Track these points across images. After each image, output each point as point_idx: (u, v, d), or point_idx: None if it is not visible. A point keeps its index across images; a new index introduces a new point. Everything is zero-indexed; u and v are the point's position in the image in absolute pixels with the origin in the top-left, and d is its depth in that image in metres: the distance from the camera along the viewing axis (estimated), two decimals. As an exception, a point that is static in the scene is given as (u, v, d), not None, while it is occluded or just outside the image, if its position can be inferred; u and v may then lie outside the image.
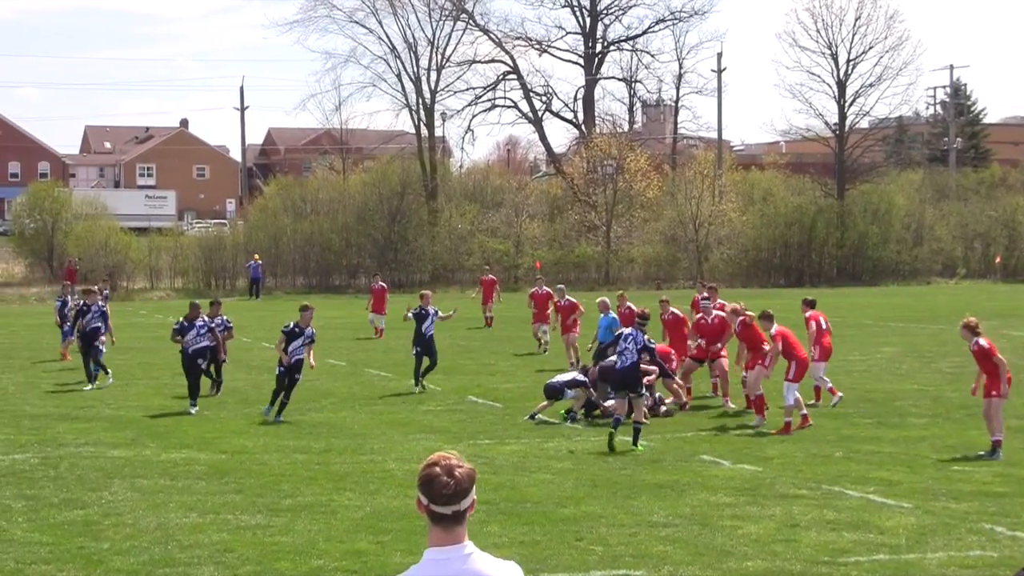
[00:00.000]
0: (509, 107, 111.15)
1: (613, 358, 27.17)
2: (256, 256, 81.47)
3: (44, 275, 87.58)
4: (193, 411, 29.77)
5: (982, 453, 23.67)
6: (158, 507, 19.64)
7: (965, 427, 27.00)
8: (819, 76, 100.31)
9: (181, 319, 31.37)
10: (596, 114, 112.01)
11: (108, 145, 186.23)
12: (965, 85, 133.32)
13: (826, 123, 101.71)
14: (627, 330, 26.94)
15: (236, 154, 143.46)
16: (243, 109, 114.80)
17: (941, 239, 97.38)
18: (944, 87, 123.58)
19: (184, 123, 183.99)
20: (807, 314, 31.65)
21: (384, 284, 53.26)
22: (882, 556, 16.41)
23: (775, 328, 27.83)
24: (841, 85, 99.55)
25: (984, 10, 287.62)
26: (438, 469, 6.52)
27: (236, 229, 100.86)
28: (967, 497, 19.99)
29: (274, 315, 54.56)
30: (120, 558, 16.50)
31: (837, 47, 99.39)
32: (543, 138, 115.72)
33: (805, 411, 27.75)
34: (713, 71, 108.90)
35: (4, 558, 16.60)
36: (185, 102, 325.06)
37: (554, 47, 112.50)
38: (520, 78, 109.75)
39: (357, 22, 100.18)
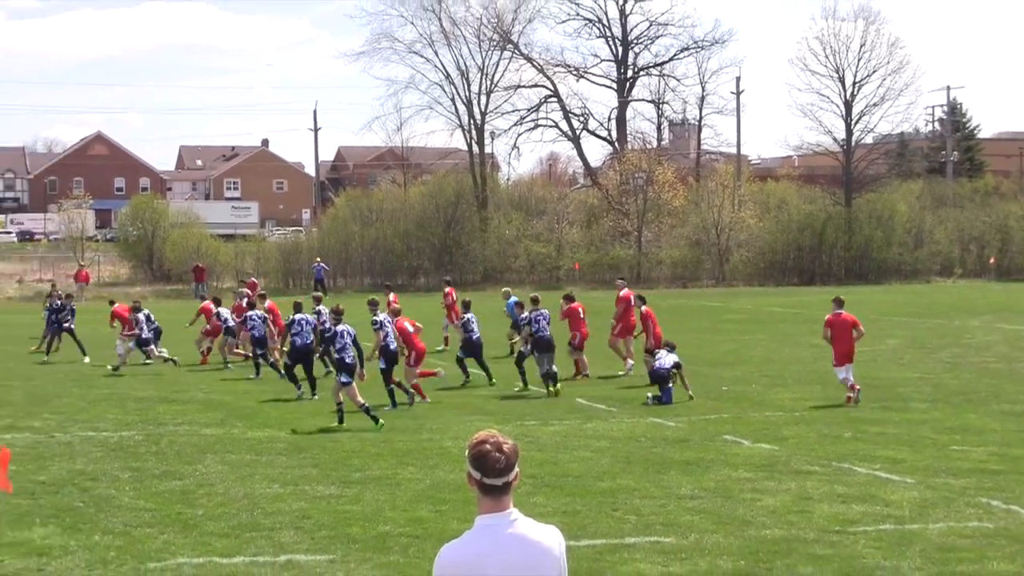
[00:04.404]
0: (550, 126, 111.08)
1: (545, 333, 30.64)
2: (318, 259, 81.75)
3: (145, 276, 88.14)
4: (315, 397, 29.73)
5: None
6: (245, 479, 19.76)
7: (962, 411, 26.90)
8: (828, 97, 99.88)
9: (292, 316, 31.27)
10: (628, 132, 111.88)
11: (199, 162, 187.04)
12: (961, 104, 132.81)
13: (834, 139, 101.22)
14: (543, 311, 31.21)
15: (310, 169, 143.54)
16: (316, 130, 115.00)
17: (940, 242, 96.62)
18: (942, 106, 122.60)
19: (265, 143, 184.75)
20: (830, 316, 29.89)
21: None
22: (888, 526, 16.33)
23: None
24: (848, 105, 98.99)
25: (978, 35, 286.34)
26: (488, 446, 6.54)
27: (311, 235, 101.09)
28: (965, 474, 19.85)
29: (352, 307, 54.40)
30: (212, 523, 16.61)
31: (844, 71, 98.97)
32: (581, 154, 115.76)
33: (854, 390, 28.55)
34: (732, 93, 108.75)
35: (114, 521, 16.72)
36: (266, 124, 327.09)
37: (590, 73, 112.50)
38: (560, 101, 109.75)
39: (416, 52, 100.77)
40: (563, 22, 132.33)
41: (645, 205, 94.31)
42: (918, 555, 14.84)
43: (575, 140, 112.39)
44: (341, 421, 25.44)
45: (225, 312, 38.72)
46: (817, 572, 14.16)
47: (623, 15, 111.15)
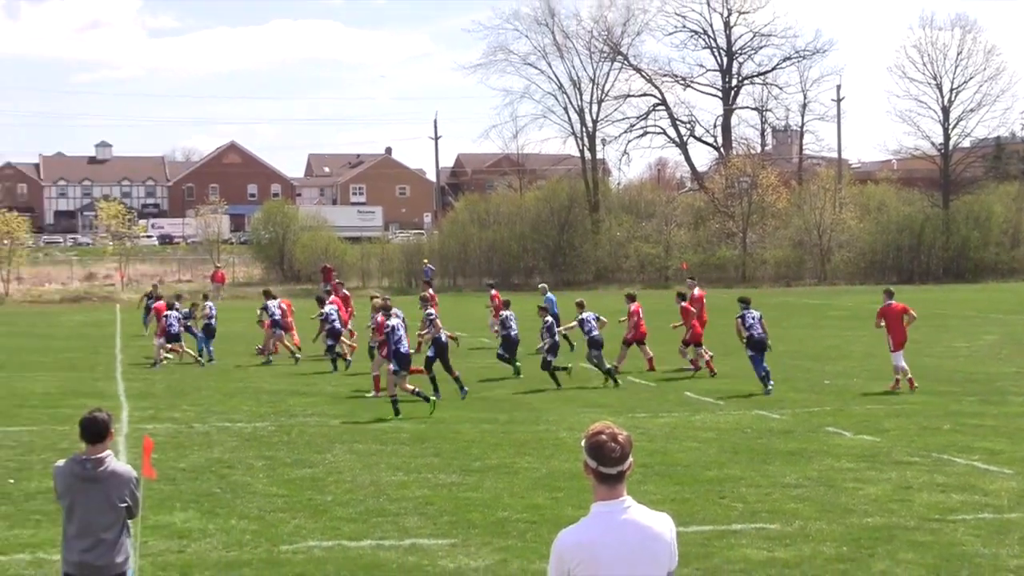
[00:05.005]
0: (659, 133, 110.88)
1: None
2: (425, 260, 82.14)
3: (277, 276, 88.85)
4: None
5: None
6: (371, 467, 19.86)
7: (1058, 404, 26.51)
8: (925, 103, 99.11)
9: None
10: (733, 138, 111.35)
11: (327, 169, 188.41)
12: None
13: (932, 143, 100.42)
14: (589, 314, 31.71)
15: (431, 175, 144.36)
16: (436, 138, 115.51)
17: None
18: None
19: (388, 151, 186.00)
20: (882, 306, 30.15)
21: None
22: (986, 515, 16.09)
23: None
24: (945, 111, 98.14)
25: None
26: (604, 436, 6.54)
27: (432, 238, 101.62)
28: (1061, 464, 19.60)
29: (445, 308, 54.71)
30: (341, 508, 16.71)
31: (941, 78, 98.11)
32: (688, 159, 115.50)
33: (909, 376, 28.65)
34: (833, 100, 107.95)
35: (249, 506, 16.88)
36: (389, 133, 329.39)
37: (696, 82, 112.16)
38: (668, 109, 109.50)
39: (530, 64, 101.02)
40: (670, 34, 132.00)
41: (750, 208, 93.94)
42: (1016, 543, 14.61)
43: (682, 146, 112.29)
44: (397, 413, 25.59)
45: (273, 305, 38.85)
46: (917, 559, 13.98)
47: (728, 27, 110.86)
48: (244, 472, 19.50)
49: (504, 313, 33.47)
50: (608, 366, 31.33)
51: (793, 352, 38.36)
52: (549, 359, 30.71)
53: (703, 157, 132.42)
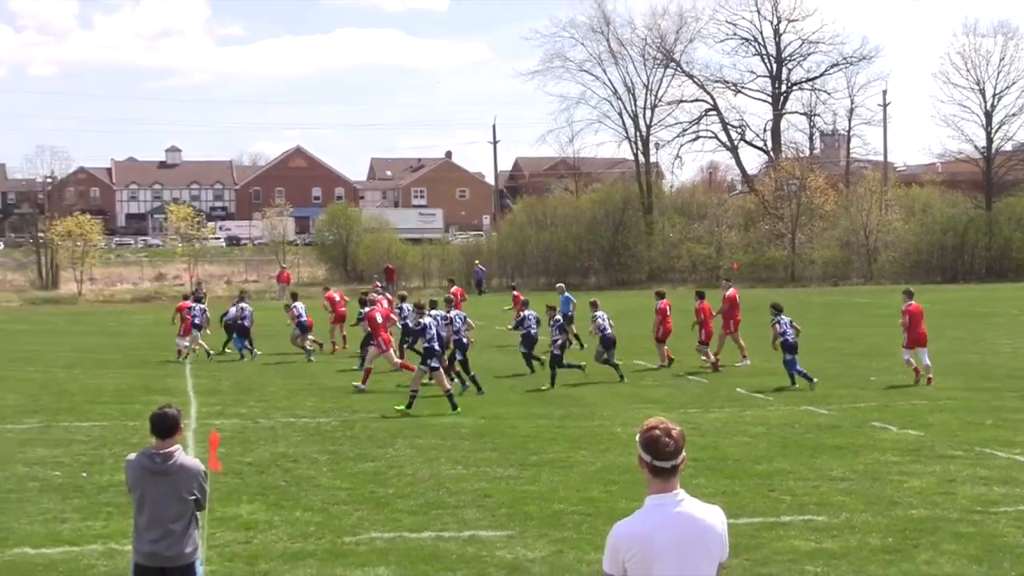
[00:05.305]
0: (710, 138, 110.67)
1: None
2: (476, 261, 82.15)
3: (340, 276, 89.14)
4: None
5: None
6: (431, 461, 19.87)
7: (1100, 400, 26.24)
8: (969, 108, 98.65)
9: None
10: (782, 142, 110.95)
11: (389, 173, 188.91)
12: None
13: (975, 147, 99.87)
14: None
15: (490, 179, 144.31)
16: (495, 143, 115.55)
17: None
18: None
19: (448, 155, 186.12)
20: (904, 306, 30.62)
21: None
22: (1028, 506, 16.03)
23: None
24: (988, 115, 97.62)
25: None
26: (658, 431, 6.53)
27: (491, 239, 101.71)
28: (1102, 458, 19.41)
29: (492, 307, 54.65)
30: (402, 500, 16.73)
31: (984, 84, 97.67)
32: (738, 162, 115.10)
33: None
34: (879, 105, 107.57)
35: (313, 499, 16.93)
36: (449, 138, 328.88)
37: (747, 88, 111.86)
38: (719, 114, 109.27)
39: (586, 71, 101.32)
40: (721, 41, 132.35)
41: (798, 209, 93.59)
42: (1059, 535, 14.49)
43: (733, 150, 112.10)
44: (410, 407, 25.63)
45: (300, 307, 38.91)
46: (960, 549, 13.89)
47: (777, 34, 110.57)
48: (308, 466, 19.55)
49: (524, 313, 33.53)
50: (616, 362, 31.56)
51: (840, 349, 38.19)
52: (558, 353, 30.64)
53: (753, 160, 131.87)
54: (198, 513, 9.78)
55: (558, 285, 43.93)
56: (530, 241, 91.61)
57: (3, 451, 21.08)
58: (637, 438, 6.61)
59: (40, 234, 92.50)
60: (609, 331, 31.69)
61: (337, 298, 40.87)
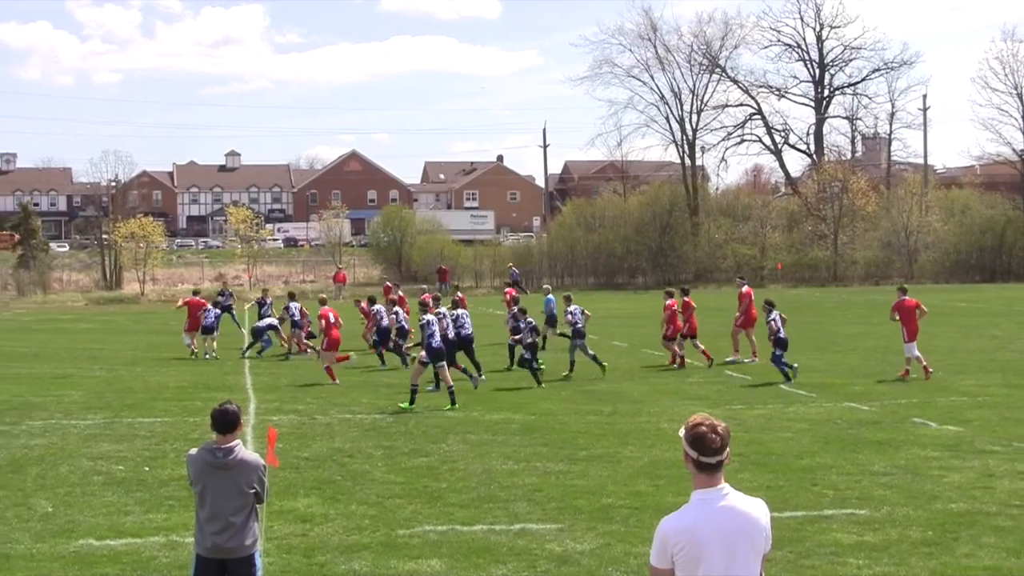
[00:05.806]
0: (754, 141, 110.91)
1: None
2: (510, 264, 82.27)
3: (394, 277, 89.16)
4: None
5: None
6: (483, 456, 19.89)
7: None
8: (1007, 111, 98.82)
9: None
10: (824, 146, 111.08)
11: (442, 176, 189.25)
12: None
13: (1013, 150, 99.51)
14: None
15: (540, 182, 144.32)
16: (545, 147, 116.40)
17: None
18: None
19: (500, 158, 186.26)
20: (896, 302, 31.41)
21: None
22: (1067, 501, 15.90)
23: None
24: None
25: None
26: (704, 427, 6.54)
27: (541, 240, 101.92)
28: None
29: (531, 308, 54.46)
30: (455, 495, 16.75)
31: (1022, 88, 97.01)
32: (782, 165, 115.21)
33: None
34: (919, 109, 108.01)
35: (368, 492, 16.97)
36: (500, 142, 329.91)
37: (790, 93, 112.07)
38: (763, 118, 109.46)
39: (634, 76, 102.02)
40: (765, 48, 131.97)
41: (841, 211, 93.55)
42: (1099, 530, 14.36)
43: (777, 153, 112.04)
44: (412, 403, 25.67)
45: (295, 306, 38.36)
46: (999, 543, 13.81)
47: (820, 41, 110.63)
48: (364, 461, 19.60)
49: (514, 308, 33.50)
50: (592, 352, 31.96)
51: (882, 348, 38.02)
52: (527, 356, 30.54)
53: (796, 163, 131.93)
54: (258, 506, 9.83)
55: (544, 286, 44.02)
56: (579, 242, 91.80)
57: (69, 446, 21.25)
58: (682, 434, 6.62)
59: (104, 236, 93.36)
60: (580, 325, 31.91)
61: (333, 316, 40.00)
